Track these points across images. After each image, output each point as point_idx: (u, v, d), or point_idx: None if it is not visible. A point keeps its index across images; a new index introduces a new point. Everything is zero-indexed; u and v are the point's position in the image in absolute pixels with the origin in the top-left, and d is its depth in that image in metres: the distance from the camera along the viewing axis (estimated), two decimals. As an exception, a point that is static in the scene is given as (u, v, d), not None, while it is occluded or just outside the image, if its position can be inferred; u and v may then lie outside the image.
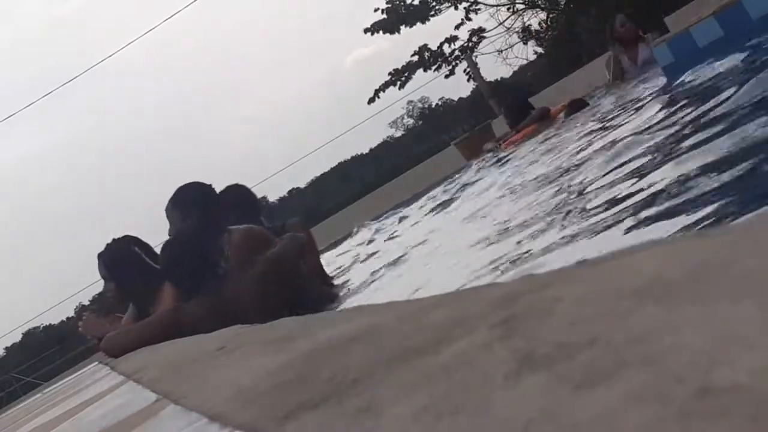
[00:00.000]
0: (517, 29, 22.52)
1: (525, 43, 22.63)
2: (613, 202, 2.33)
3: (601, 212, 2.27)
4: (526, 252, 2.27)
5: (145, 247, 4.38)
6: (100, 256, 4.43)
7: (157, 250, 4.19)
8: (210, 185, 4.03)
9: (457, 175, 9.00)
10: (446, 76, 23.12)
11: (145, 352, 3.02)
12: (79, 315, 4.63)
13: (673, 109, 3.69)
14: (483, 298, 0.63)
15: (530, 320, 0.50)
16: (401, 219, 7.77)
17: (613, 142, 3.72)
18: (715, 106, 2.97)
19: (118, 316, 4.70)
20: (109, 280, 4.45)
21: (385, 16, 22.09)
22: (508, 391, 0.40)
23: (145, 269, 4.11)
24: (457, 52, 22.79)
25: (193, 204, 3.89)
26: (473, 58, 21.33)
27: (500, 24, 22.59)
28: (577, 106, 8.01)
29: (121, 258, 4.32)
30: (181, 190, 4.02)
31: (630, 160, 2.92)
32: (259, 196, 4.25)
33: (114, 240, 4.42)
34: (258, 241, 3.66)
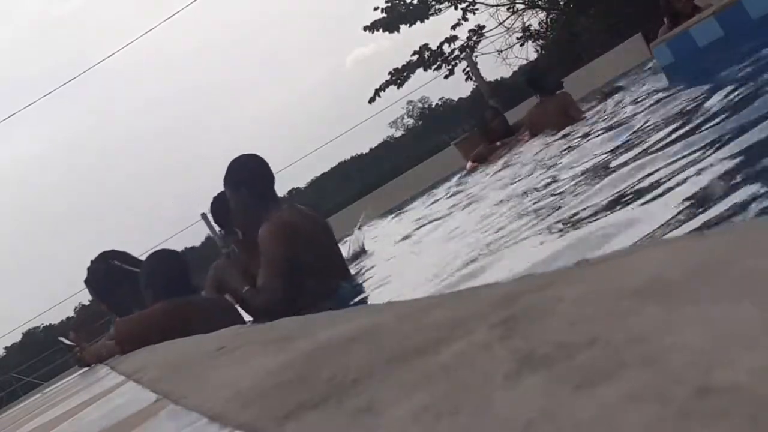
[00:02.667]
0: (517, 29, 22.52)
1: (521, 46, 22.62)
2: (613, 200, 2.33)
3: (601, 211, 2.27)
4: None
5: (123, 256, 4.37)
6: (86, 282, 4.43)
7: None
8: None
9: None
10: (446, 76, 23.09)
11: (145, 352, 3.02)
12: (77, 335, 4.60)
13: (673, 105, 3.69)
14: (483, 298, 0.63)
15: (530, 320, 0.50)
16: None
17: (612, 141, 3.72)
18: (716, 105, 2.97)
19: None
20: (100, 300, 4.46)
21: (384, 14, 22.07)
22: (508, 391, 0.40)
23: (129, 278, 4.10)
24: (456, 52, 22.77)
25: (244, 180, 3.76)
26: (473, 58, 21.32)
27: (500, 24, 22.59)
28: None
29: (103, 276, 4.32)
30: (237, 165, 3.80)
31: (630, 160, 2.92)
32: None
33: (91, 262, 4.42)
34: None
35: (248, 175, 3.74)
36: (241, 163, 3.77)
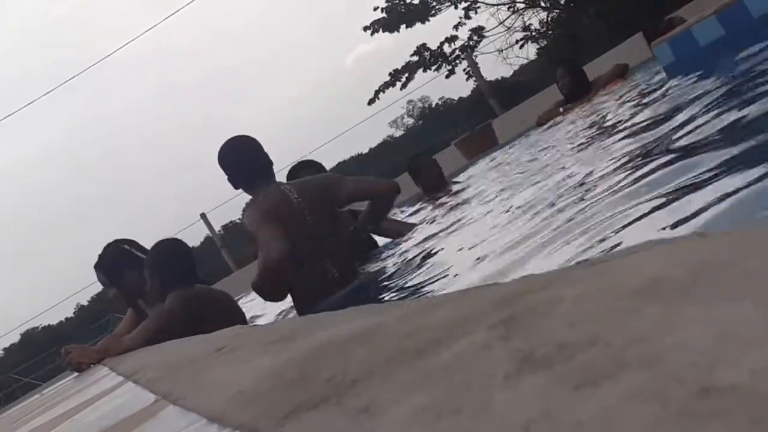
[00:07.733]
0: (517, 28, 22.51)
1: (521, 48, 22.63)
2: (613, 200, 2.33)
3: (600, 210, 2.27)
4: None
5: (134, 244, 4.44)
6: (96, 266, 4.47)
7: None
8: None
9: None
10: (446, 76, 23.10)
11: (144, 353, 3.03)
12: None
13: (673, 107, 3.69)
14: (483, 298, 0.63)
15: (530, 320, 0.50)
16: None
17: (610, 139, 3.72)
18: (716, 105, 2.97)
19: (117, 317, 4.74)
20: (111, 285, 4.49)
21: (385, 14, 22.08)
22: (508, 391, 0.40)
23: (139, 264, 4.15)
24: (457, 52, 22.77)
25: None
26: (473, 57, 21.32)
27: (500, 23, 22.59)
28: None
29: (116, 261, 4.38)
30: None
31: (629, 157, 2.92)
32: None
33: (105, 247, 4.48)
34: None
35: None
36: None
